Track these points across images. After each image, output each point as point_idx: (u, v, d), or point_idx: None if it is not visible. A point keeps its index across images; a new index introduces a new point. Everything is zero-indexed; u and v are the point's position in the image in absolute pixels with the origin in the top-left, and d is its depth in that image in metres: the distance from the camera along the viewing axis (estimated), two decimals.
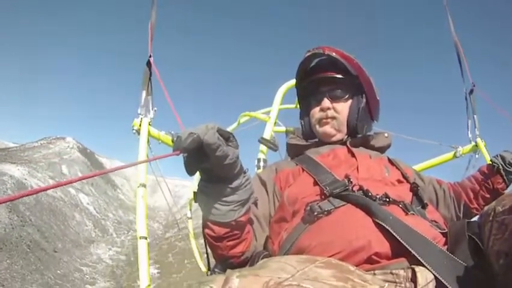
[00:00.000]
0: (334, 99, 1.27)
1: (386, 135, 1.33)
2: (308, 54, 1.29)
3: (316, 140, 1.32)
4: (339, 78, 1.26)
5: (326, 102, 1.26)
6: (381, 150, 1.31)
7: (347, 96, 1.28)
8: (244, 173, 0.88)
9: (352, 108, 1.27)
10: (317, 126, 1.30)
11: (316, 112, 1.29)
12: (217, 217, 0.88)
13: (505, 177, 1.27)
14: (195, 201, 0.94)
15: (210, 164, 0.79)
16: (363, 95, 1.29)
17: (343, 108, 1.27)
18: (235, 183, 0.85)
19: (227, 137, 0.79)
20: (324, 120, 1.27)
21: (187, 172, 0.81)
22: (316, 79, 1.30)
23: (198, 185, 0.90)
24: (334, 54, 1.24)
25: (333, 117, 1.26)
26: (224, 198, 0.86)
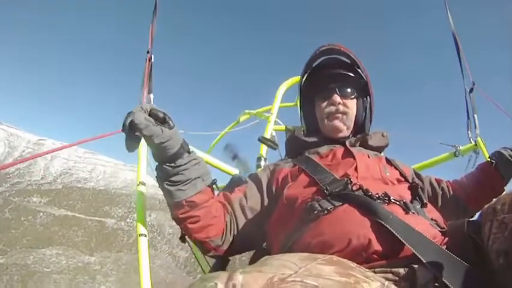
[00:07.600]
0: (344, 95, 1.26)
1: (384, 134, 1.33)
2: (324, 48, 1.29)
3: (316, 139, 1.28)
4: (349, 76, 1.27)
5: (337, 98, 1.25)
6: (379, 150, 1.31)
7: (354, 95, 1.28)
8: (188, 152, 0.94)
9: (359, 107, 1.29)
10: (326, 121, 1.27)
11: (325, 106, 1.27)
12: (168, 198, 0.94)
13: (503, 174, 1.27)
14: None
15: (150, 146, 0.88)
16: (368, 97, 1.31)
17: (352, 105, 1.27)
18: (177, 162, 0.91)
19: (162, 118, 0.86)
20: (335, 115, 1.25)
21: (126, 148, 0.88)
22: (328, 75, 1.28)
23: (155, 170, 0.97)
24: (351, 54, 1.27)
25: (344, 113, 1.25)
26: (171, 178, 0.92)
